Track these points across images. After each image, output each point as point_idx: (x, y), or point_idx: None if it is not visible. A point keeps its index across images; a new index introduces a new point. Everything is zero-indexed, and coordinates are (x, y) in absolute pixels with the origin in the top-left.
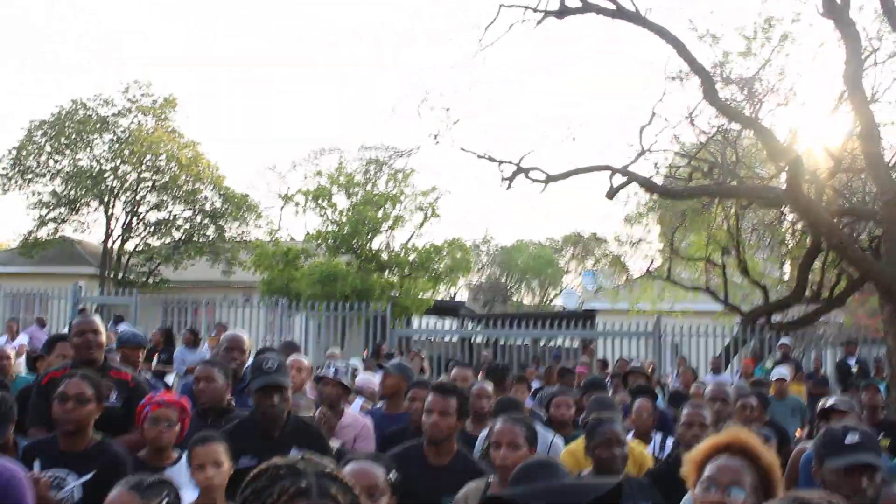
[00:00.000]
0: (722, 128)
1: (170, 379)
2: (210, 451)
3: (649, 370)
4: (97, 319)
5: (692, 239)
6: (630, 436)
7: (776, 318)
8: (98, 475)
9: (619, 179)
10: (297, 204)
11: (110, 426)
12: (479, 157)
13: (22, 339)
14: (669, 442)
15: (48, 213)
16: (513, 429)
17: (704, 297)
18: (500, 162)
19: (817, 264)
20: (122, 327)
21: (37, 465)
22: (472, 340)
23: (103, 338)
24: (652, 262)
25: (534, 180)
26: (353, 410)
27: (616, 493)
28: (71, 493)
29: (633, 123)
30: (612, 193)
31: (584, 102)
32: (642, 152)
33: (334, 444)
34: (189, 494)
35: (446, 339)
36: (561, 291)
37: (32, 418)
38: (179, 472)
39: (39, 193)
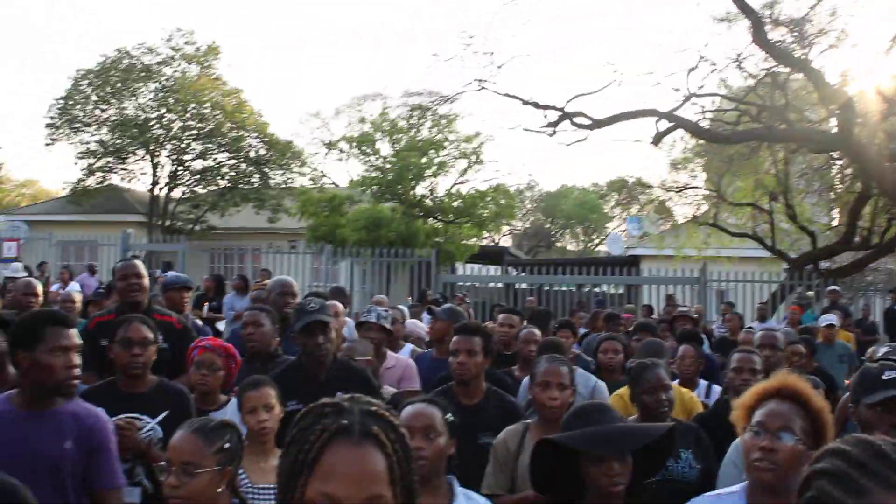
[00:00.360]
0: (771, 70)
1: (221, 325)
2: (262, 395)
3: (696, 316)
4: (139, 263)
5: (739, 184)
6: (675, 382)
7: (824, 264)
8: (171, 413)
9: (664, 124)
10: (340, 150)
11: (156, 369)
12: (524, 102)
13: (74, 286)
14: (715, 389)
15: (96, 161)
16: (559, 369)
17: (751, 244)
18: (545, 107)
19: (867, 210)
20: (172, 274)
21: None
22: (516, 287)
23: (146, 281)
24: (698, 208)
25: (579, 126)
26: (403, 355)
27: (668, 438)
28: (153, 432)
29: (680, 67)
30: (657, 139)
31: (629, 47)
32: (689, 97)
33: (390, 390)
34: None
35: (490, 285)
36: (605, 238)
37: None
38: (225, 416)
39: (87, 143)
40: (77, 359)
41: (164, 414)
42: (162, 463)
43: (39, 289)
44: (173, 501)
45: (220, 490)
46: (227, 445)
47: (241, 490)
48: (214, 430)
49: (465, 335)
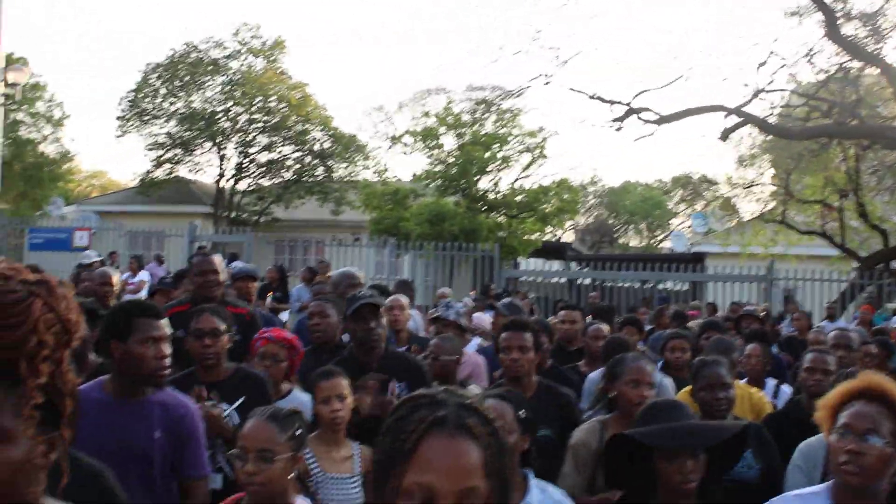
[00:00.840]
0: (842, 65)
1: (284, 316)
2: (334, 385)
3: (762, 315)
4: (217, 259)
5: (808, 181)
6: (743, 381)
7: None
8: (248, 399)
9: (732, 120)
10: (404, 144)
11: (229, 359)
12: (590, 97)
13: (143, 275)
14: (783, 389)
15: (164, 153)
16: (648, 367)
17: (820, 242)
18: (611, 102)
19: None
20: (238, 265)
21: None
22: (578, 282)
23: (222, 276)
24: (765, 205)
25: (645, 121)
26: (470, 350)
27: (740, 437)
28: (230, 418)
29: (749, 63)
30: (725, 134)
31: (698, 42)
32: (758, 92)
33: (475, 390)
34: None
35: (553, 280)
36: (669, 234)
37: None
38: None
39: (155, 135)
40: (167, 349)
41: (240, 400)
42: (235, 451)
43: (115, 278)
44: (251, 488)
45: (290, 477)
46: (298, 432)
47: (312, 478)
48: (286, 418)
49: (515, 331)
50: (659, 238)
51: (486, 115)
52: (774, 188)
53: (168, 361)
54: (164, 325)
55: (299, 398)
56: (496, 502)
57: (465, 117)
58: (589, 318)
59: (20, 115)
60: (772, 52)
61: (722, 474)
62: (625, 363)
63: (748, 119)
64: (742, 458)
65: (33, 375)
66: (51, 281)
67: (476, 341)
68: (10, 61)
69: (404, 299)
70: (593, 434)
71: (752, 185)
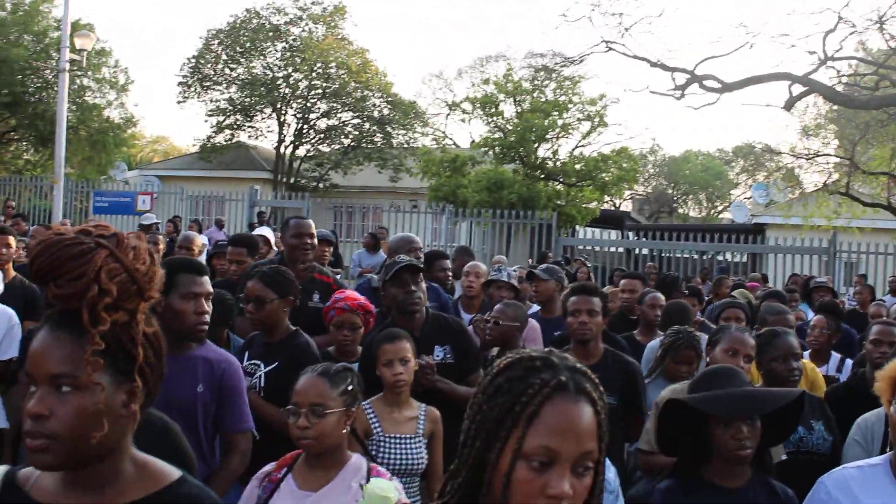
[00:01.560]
0: None
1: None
2: (398, 348)
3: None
4: (312, 223)
5: (874, 152)
6: (806, 354)
7: None
8: (280, 364)
9: (798, 89)
10: (463, 111)
11: (314, 326)
12: (652, 64)
13: (203, 239)
14: (848, 363)
15: (225, 119)
16: (749, 340)
17: (885, 214)
18: (673, 70)
19: None
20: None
21: (247, 355)
22: (635, 252)
23: (316, 241)
24: (829, 176)
25: (708, 89)
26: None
27: (798, 405)
28: (258, 381)
29: (817, 30)
30: (790, 104)
31: (763, 7)
32: (825, 60)
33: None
34: None
35: (610, 249)
36: (729, 205)
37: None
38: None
39: (216, 101)
40: (207, 305)
41: (272, 365)
42: (290, 406)
43: (197, 241)
44: (304, 442)
45: (344, 431)
46: (350, 387)
47: (373, 438)
48: (338, 374)
49: (584, 295)
50: (719, 209)
51: (546, 83)
52: (839, 159)
53: (207, 317)
54: (205, 282)
55: None
56: (601, 461)
57: (525, 84)
58: (644, 288)
59: (86, 81)
60: (841, 18)
61: (776, 443)
62: (726, 332)
63: (814, 88)
64: (817, 431)
65: (95, 323)
66: (121, 234)
67: (535, 308)
68: (77, 27)
69: (483, 267)
70: (681, 395)
71: (815, 156)
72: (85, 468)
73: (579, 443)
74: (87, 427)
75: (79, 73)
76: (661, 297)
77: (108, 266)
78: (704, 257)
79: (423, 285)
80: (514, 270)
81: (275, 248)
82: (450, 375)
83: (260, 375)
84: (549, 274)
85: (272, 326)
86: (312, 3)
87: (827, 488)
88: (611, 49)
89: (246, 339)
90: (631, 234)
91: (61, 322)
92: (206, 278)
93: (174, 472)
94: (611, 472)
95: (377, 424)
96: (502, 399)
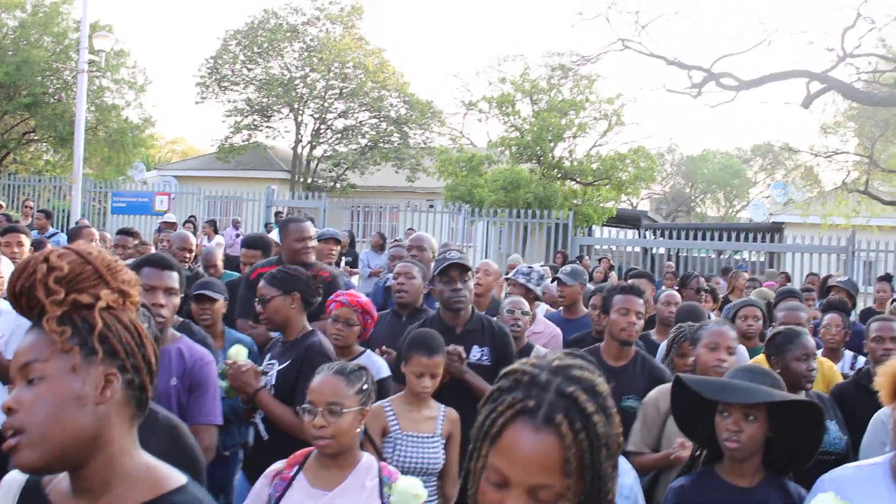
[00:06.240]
0: None
1: (354, 280)
2: (433, 363)
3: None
4: (311, 225)
5: (894, 150)
6: (819, 353)
7: None
8: (291, 364)
9: (816, 86)
10: (480, 111)
11: (315, 319)
12: (669, 62)
13: (219, 239)
14: (861, 360)
15: (242, 119)
16: (729, 332)
17: None
18: (691, 68)
19: None
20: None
21: (268, 355)
22: (653, 251)
23: (316, 243)
24: (848, 174)
25: (725, 87)
26: (540, 317)
27: (816, 415)
28: (270, 379)
29: (835, 26)
30: (808, 101)
31: (781, 4)
32: (843, 57)
33: (541, 350)
34: None
35: (627, 249)
36: (747, 204)
37: (240, 310)
38: None
39: (234, 101)
40: (162, 298)
41: (284, 364)
42: (306, 405)
43: (193, 241)
44: (321, 442)
45: (357, 430)
46: (365, 386)
47: (391, 435)
48: (353, 373)
49: (633, 295)
50: (737, 208)
51: (563, 82)
52: (858, 157)
53: (165, 311)
54: (166, 276)
55: (371, 360)
56: (585, 499)
57: (542, 84)
58: (653, 287)
59: (105, 82)
60: (860, 15)
61: (805, 459)
62: (705, 328)
63: (833, 85)
64: (832, 430)
65: (48, 294)
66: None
67: (543, 307)
68: (96, 28)
69: (494, 265)
70: (666, 395)
71: (834, 154)
72: (80, 470)
73: (528, 474)
74: (58, 417)
75: (98, 73)
76: (677, 295)
77: (57, 252)
78: (722, 256)
79: (471, 284)
80: (529, 268)
81: None
82: (484, 377)
83: (273, 374)
84: (573, 277)
85: (284, 324)
86: (330, 3)
87: (824, 486)
88: (627, 47)
89: (270, 342)
90: (648, 234)
91: (36, 322)
92: (169, 273)
93: (176, 479)
94: (628, 478)
95: (395, 422)
96: (485, 409)
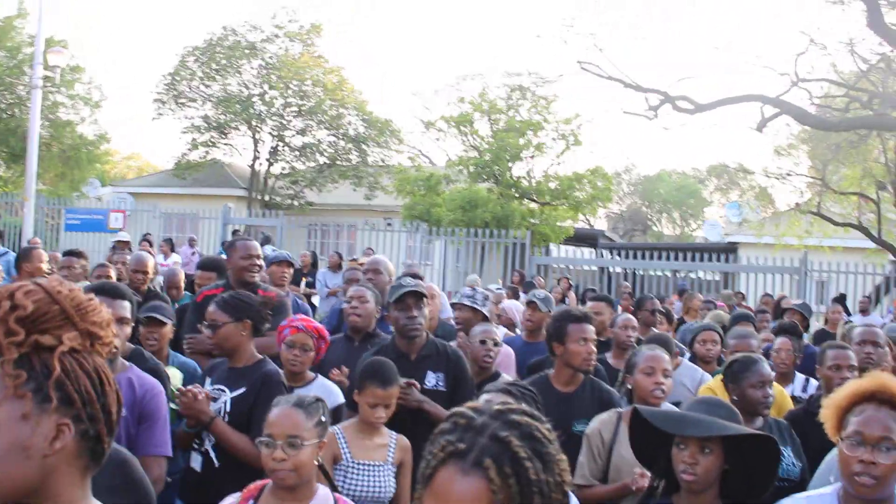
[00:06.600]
0: (885, 55)
1: (316, 300)
2: (388, 395)
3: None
4: (257, 244)
5: (845, 172)
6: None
7: None
8: (247, 390)
9: (770, 110)
10: (438, 130)
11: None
12: (626, 85)
13: (175, 257)
14: (813, 383)
15: (200, 136)
16: (663, 356)
17: (855, 234)
18: (647, 90)
19: None
20: (269, 248)
21: (208, 381)
22: (610, 270)
23: (262, 262)
24: (801, 196)
25: (681, 110)
26: None
27: (772, 448)
28: (223, 406)
29: (789, 52)
30: (762, 125)
31: (735, 29)
32: (796, 82)
33: (507, 378)
34: None
35: (584, 268)
36: (703, 223)
37: (188, 335)
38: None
39: (191, 118)
40: (113, 328)
41: (239, 391)
42: (263, 438)
43: (150, 264)
44: (280, 475)
45: (316, 463)
46: (323, 418)
47: (341, 464)
48: (311, 405)
49: (586, 323)
50: (693, 227)
51: (521, 102)
52: (811, 179)
53: (117, 341)
54: (119, 306)
55: (325, 386)
56: None
57: (500, 103)
58: (611, 311)
59: (59, 97)
60: (812, 41)
61: (763, 488)
62: (639, 354)
63: (786, 109)
64: (786, 457)
65: (7, 334)
66: (53, 278)
67: (502, 330)
68: (51, 43)
69: (436, 288)
70: (608, 426)
71: (787, 176)
72: None
73: None
74: (1, 466)
75: (52, 89)
76: (633, 319)
77: (25, 288)
78: (678, 275)
79: (426, 311)
80: (473, 290)
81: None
82: (440, 403)
83: (226, 401)
84: (547, 304)
85: (232, 351)
86: (289, 21)
87: None
88: (584, 70)
89: (209, 366)
90: (605, 253)
91: None
92: (121, 302)
93: None
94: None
95: (346, 450)
96: (426, 451)
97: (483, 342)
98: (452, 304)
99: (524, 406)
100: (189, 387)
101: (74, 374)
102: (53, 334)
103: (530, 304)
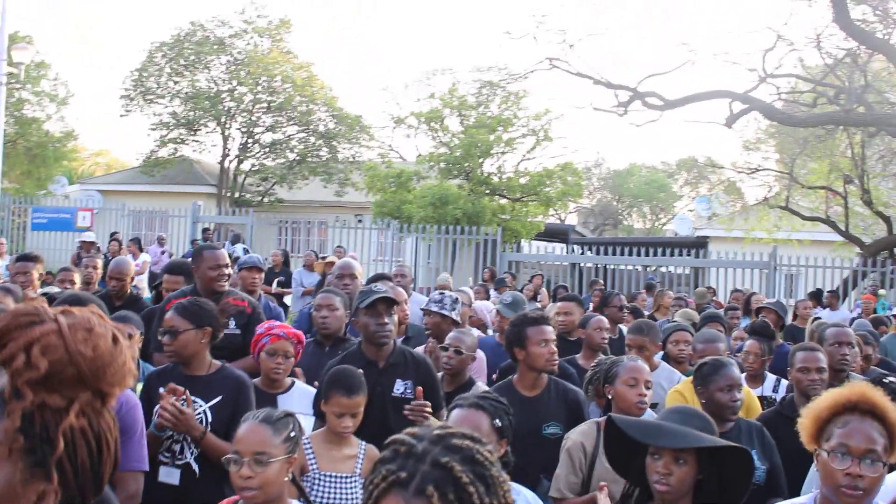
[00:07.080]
0: (851, 51)
1: (288, 300)
2: (353, 403)
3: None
4: (226, 252)
5: (813, 166)
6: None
7: None
8: (223, 401)
9: (739, 106)
10: (409, 126)
11: (228, 352)
12: (596, 82)
13: (144, 257)
14: (783, 383)
15: (168, 133)
16: (645, 368)
17: (823, 227)
18: (617, 87)
19: None
20: (240, 248)
21: (162, 391)
22: (581, 265)
23: (230, 271)
24: (769, 190)
25: (650, 106)
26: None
27: (745, 460)
28: (203, 416)
29: (756, 48)
30: (731, 120)
31: (705, 26)
32: (764, 78)
33: (482, 387)
34: (301, 420)
35: (556, 263)
36: (673, 217)
37: (156, 344)
38: (290, 400)
39: (160, 114)
40: None
41: (217, 399)
42: (230, 455)
43: (130, 269)
44: (247, 493)
45: (285, 479)
46: (292, 434)
47: (308, 476)
48: (280, 420)
49: (546, 325)
50: (663, 221)
51: (492, 98)
52: (779, 173)
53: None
54: None
55: (303, 390)
56: None
57: (471, 99)
58: (581, 310)
59: (24, 94)
60: (780, 37)
61: (736, 497)
62: (621, 364)
63: (754, 105)
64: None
65: (14, 396)
66: (83, 315)
67: (474, 332)
68: (15, 39)
69: (404, 293)
70: (590, 437)
71: (756, 170)
72: None
73: None
74: None
75: (17, 85)
76: (605, 320)
77: (45, 341)
78: (648, 269)
79: (395, 317)
80: (441, 294)
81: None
82: None
83: (204, 410)
84: (513, 309)
85: (190, 358)
86: (257, 17)
87: None
88: (554, 66)
89: (150, 374)
90: (576, 248)
91: None
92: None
93: None
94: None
95: (313, 461)
96: (367, 480)
97: (445, 349)
98: (422, 310)
99: (464, 430)
100: (171, 400)
101: (74, 447)
102: (63, 394)
103: (498, 311)
